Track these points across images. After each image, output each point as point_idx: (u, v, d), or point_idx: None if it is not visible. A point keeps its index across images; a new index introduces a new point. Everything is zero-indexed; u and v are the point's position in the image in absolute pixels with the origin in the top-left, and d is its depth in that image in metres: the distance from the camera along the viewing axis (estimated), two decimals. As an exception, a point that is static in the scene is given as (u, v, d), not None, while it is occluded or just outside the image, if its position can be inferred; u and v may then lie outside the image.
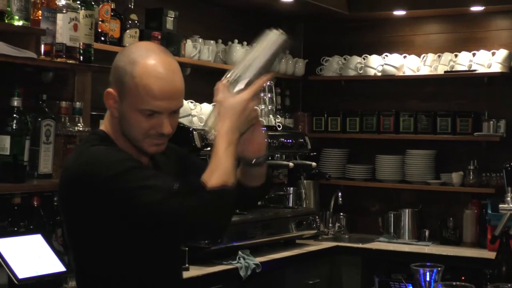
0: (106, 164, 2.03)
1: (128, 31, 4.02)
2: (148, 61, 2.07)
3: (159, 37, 4.24)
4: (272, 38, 2.13)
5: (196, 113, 4.34)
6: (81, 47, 3.39)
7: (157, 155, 2.22)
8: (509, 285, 2.53)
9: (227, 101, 2.08)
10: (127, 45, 4.00)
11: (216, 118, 2.08)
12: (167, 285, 2.22)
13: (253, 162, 2.19)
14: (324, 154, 5.80)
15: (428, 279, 2.24)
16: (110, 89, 2.12)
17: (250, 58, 2.12)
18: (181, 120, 4.18)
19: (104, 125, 2.20)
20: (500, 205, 2.67)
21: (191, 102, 4.41)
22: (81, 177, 2.06)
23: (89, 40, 3.46)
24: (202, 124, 4.28)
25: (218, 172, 2.00)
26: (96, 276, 2.14)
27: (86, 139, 2.23)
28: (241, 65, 2.13)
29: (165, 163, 2.27)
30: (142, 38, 4.12)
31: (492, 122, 5.16)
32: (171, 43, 4.34)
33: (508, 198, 2.62)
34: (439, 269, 2.17)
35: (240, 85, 2.09)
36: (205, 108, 4.44)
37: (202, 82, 4.95)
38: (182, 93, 2.13)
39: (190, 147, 3.98)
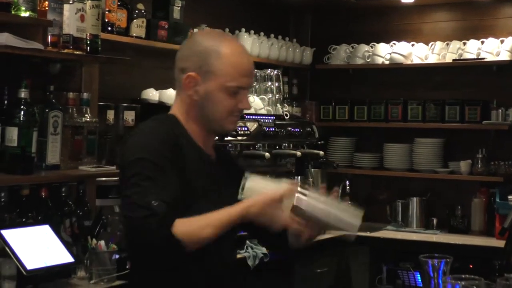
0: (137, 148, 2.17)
1: (135, 20, 4.01)
2: (229, 43, 2.27)
3: (166, 26, 4.23)
4: (353, 221, 2.16)
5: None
6: (88, 38, 3.39)
7: (225, 154, 2.45)
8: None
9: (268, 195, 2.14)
10: (134, 35, 4.00)
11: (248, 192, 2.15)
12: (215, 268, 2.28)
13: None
14: (331, 142, 5.79)
15: (437, 270, 2.22)
16: (191, 73, 2.23)
17: (326, 209, 2.15)
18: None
19: (173, 111, 2.32)
20: (509, 196, 2.65)
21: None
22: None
23: (96, 31, 3.45)
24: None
25: (196, 226, 2.07)
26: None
27: (153, 118, 2.32)
28: (317, 204, 2.14)
29: (229, 163, 2.45)
30: (149, 27, 4.12)
31: (500, 110, 5.13)
32: (178, 33, 4.32)
33: (517, 190, 2.61)
34: (448, 260, 2.16)
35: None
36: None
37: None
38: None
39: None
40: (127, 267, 3.03)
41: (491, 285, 1.86)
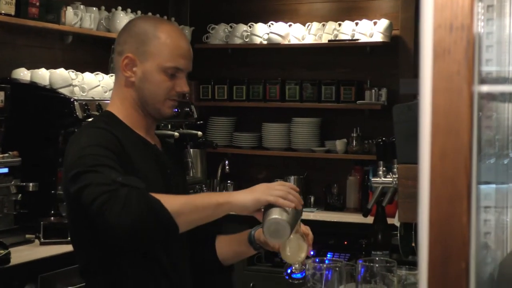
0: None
1: (3, -2, 3.87)
2: (167, 26, 2.28)
3: (37, 4, 4.09)
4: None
5: (78, 83, 4.23)
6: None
7: (169, 143, 2.40)
8: (380, 253, 2.61)
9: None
10: (3, 12, 3.86)
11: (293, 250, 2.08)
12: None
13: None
14: (211, 122, 5.80)
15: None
16: (128, 54, 2.20)
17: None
18: (61, 90, 4.07)
19: (110, 106, 2.28)
20: (372, 179, 2.74)
21: (72, 72, 4.29)
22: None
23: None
24: (84, 94, 4.18)
25: (186, 204, 1.98)
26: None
27: (90, 122, 2.26)
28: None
29: (175, 151, 2.42)
30: (19, 5, 3.97)
31: (374, 90, 5.28)
32: (51, 10, 4.20)
33: (380, 172, 2.70)
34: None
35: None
36: (87, 78, 4.34)
37: (84, 51, 4.85)
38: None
39: (71, 118, 3.88)
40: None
41: (351, 265, 1.91)
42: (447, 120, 0.80)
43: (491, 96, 1.01)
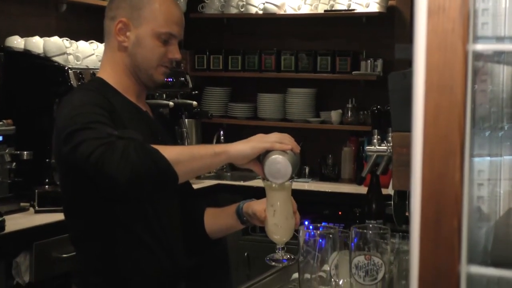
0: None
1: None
2: None
3: (31, -29, 4.06)
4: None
5: (72, 51, 4.20)
6: None
7: (160, 112, 2.42)
8: (375, 222, 2.62)
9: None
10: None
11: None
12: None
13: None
14: (206, 92, 5.79)
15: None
16: (122, 19, 2.20)
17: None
18: (55, 58, 4.05)
19: (101, 72, 2.26)
20: (366, 147, 2.74)
21: (66, 40, 4.27)
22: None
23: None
24: (78, 63, 4.16)
25: (184, 153, 1.97)
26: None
27: (81, 85, 2.22)
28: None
29: (166, 120, 2.45)
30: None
31: (369, 61, 5.27)
32: (44, -22, 4.16)
33: (375, 140, 2.69)
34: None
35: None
36: (82, 47, 4.31)
37: (78, 19, 4.82)
38: None
39: (65, 87, 3.87)
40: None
41: (346, 233, 1.92)
42: (441, 77, 0.79)
43: (486, 58, 1.01)
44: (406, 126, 2.01)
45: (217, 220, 2.36)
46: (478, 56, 0.90)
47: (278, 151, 1.99)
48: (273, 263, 2.11)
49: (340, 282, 1.90)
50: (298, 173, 5.44)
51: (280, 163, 1.98)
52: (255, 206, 2.20)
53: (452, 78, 0.79)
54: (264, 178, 2.03)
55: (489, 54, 0.85)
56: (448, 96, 0.79)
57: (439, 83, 0.80)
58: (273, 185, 2.04)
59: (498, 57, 0.88)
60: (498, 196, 1.25)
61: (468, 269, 0.81)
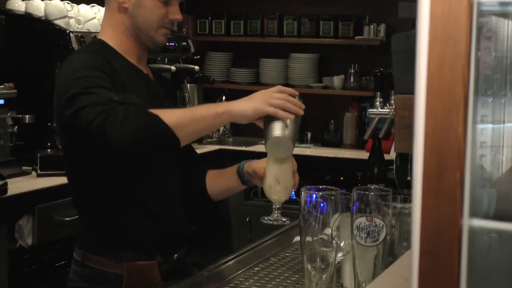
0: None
1: None
2: None
3: None
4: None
5: (73, 14, 4.17)
6: None
7: (161, 76, 2.41)
8: (375, 185, 2.62)
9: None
10: None
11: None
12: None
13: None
14: (208, 57, 5.76)
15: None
16: None
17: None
18: (57, 22, 4.02)
19: (102, 34, 2.25)
20: (369, 110, 2.73)
21: (68, 3, 4.23)
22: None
23: None
24: (79, 26, 4.14)
25: (184, 116, 1.96)
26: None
27: (81, 47, 2.21)
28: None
29: (167, 83, 2.43)
30: None
31: (372, 26, 5.23)
32: None
33: (377, 103, 2.68)
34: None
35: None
36: (83, 10, 4.28)
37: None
38: None
39: (67, 50, 3.84)
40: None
41: (347, 196, 1.91)
42: (445, 28, 0.78)
43: (490, 12, 0.99)
44: (408, 88, 1.99)
45: (219, 181, 2.36)
46: (482, 13, 0.89)
47: (280, 124, 1.98)
48: (270, 222, 2.12)
49: (342, 244, 1.90)
50: (300, 139, 5.44)
51: (281, 143, 1.98)
52: (255, 164, 2.21)
53: (457, 29, 0.78)
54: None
55: (494, 5, 0.84)
56: (452, 48, 0.78)
57: (443, 34, 0.79)
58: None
59: (504, 7, 0.87)
60: (500, 162, 1.25)
61: (471, 222, 0.81)
